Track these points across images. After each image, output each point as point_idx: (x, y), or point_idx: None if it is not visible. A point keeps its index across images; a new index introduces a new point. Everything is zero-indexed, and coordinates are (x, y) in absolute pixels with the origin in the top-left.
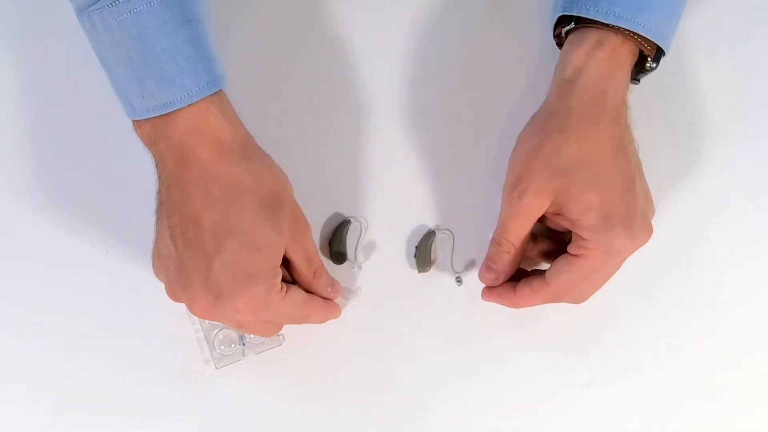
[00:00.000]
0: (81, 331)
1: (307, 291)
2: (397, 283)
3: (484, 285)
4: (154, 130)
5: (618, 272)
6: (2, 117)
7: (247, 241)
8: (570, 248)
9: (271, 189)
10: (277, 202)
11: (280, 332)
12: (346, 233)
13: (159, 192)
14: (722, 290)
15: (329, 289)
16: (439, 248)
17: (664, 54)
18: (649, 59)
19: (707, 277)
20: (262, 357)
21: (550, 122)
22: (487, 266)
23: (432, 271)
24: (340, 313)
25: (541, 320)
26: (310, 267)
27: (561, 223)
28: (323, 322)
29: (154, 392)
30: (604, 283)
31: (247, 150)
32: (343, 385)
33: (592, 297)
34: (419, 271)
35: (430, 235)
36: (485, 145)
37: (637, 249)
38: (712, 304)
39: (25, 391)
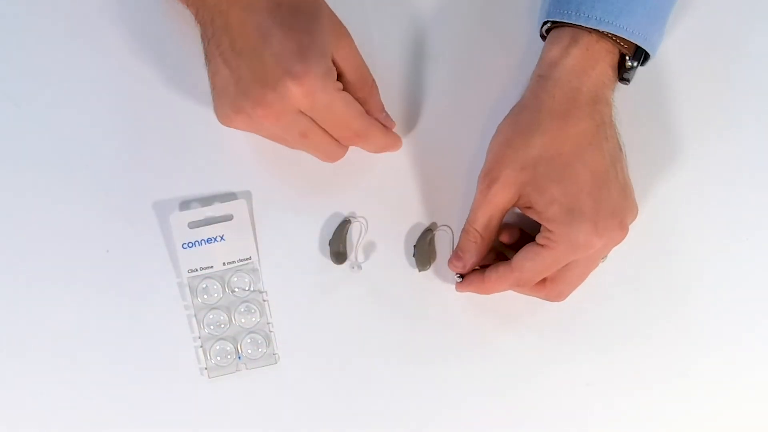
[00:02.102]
0: (80, 331)
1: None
2: (397, 283)
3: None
4: None
5: (619, 272)
6: (2, 117)
7: (290, 27)
8: (537, 238)
9: None
10: (314, 4)
11: (275, 352)
12: (346, 233)
13: (203, 40)
14: (722, 290)
15: (383, 113)
16: (439, 245)
17: (649, 55)
18: (628, 58)
19: (707, 276)
20: (258, 374)
21: (521, 115)
22: (456, 255)
23: (432, 270)
24: (401, 144)
25: (542, 320)
26: (363, 80)
27: (532, 216)
28: (381, 149)
29: (149, 393)
30: (582, 280)
31: None
32: (341, 387)
33: (593, 297)
34: (419, 270)
35: (426, 233)
36: (483, 143)
37: (608, 247)
38: (712, 303)
39: (23, 391)
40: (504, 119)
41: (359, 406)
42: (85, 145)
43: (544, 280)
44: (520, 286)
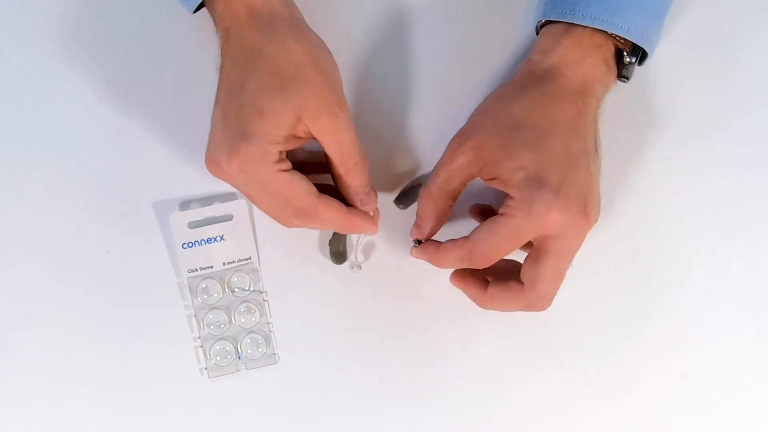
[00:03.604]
0: (80, 331)
1: (344, 191)
2: (397, 283)
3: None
4: (209, 13)
5: (618, 272)
6: (2, 117)
7: (249, 101)
8: (499, 209)
9: (293, 60)
10: (297, 73)
11: (276, 352)
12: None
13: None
14: (723, 290)
15: (360, 196)
16: None
17: (647, 54)
18: (626, 53)
19: (708, 276)
20: (258, 374)
21: (506, 89)
22: (416, 222)
23: (432, 270)
24: (375, 230)
25: (542, 320)
26: (343, 159)
27: (496, 187)
28: (344, 229)
29: (149, 393)
30: (555, 277)
31: (277, 20)
32: (341, 387)
33: (592, 297)
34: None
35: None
36: None
37: (569, 233)
38: (713, 303)
39: (23, 391)
40: (489, 94)
41: (359, 406)
42: (85, 146)
43: (517, 286)
44: (472, 258)
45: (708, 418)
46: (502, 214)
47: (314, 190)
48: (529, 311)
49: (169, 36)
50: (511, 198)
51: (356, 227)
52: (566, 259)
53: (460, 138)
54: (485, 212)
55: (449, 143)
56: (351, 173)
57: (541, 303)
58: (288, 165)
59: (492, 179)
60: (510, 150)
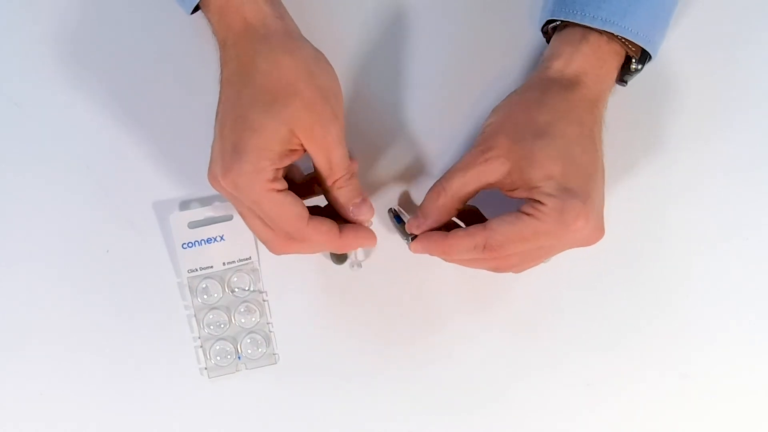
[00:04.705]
0: (80, 330)
1: (334, 204)
2: (397, 282)
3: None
4: (208, 24)
5: (618, 272)
6: (2, 117)
7: (242, 117)
8: (523, 207)
9: (284, 75)
10: (288, 88)
11: (275, 352)
12: None
13: None
14: (723, 290)
15: (351, 208)
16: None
17: (650, 57)
18: (633, 60)
19: (708, 277)
20: (258, 374)
21: (527, 94)
22: (415, 214)
23: (432, 270)
24: (373, 243)
25: (542, 320)
26: (331, 173)
27: (519, 195)
28: (339, 251)
29: (149, 393)
30: (535, 260)
31: (270, 33)
32: (341, 387)
33: (592, 297)
34: (410, 241)
35: (389, 213)
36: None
37: (583, 240)
38: (712, 303)
39: (23, 391)
40: (505, 99)
41: (358, 405)
42: (85, 146)
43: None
44: (484, 248)
45: (708, 418)
46: (528, 214)
47: (305, 213)
48: (487, 265)
49: (169, 37)
50: (541, 203)
51: (351, 245)
52: (550, 253)
53: (483, 146)
54: (466, 212)
55: (471, 149)
56: (340, 185)
57: (503, 269)
58: (283, 185)
59: (513, 189)
60: (536, 159)
